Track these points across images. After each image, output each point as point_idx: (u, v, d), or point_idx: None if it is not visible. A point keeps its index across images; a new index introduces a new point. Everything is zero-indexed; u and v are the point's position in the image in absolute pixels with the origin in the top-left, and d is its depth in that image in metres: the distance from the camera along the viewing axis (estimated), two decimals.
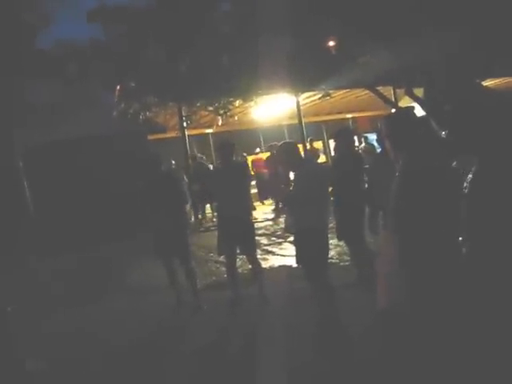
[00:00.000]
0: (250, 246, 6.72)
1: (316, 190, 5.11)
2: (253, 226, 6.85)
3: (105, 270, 9.51)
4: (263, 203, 17.21)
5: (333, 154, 13.04)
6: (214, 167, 15.78)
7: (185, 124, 15.07)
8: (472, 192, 2.35)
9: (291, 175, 5.80)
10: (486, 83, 12.91)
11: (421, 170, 2.94)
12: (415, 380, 2.92)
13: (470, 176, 2.38)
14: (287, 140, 6.37)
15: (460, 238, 2.44)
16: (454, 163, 3.06)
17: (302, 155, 5.89)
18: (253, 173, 17.53)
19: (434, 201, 2.81)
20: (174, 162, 15.96)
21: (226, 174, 6.66)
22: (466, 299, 2.46)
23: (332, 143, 21.81)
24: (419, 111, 10.08)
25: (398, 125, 3.29)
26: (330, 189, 6.51)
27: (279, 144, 5.84)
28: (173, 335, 6.03)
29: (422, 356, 2.86)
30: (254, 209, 7.12)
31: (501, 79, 17.37)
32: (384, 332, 3.08)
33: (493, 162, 2.32)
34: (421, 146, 3.12)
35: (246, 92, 13.76)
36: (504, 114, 2.36)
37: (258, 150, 20.04)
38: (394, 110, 4.94)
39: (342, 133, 7.32)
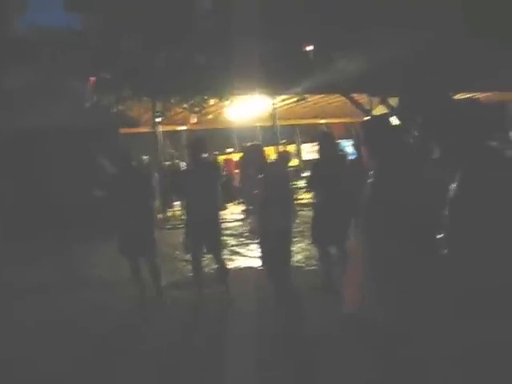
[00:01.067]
0: (215, 245, 6.68)
1: (280, 193, 5.13)
2: (220, 225, 6.81)
3: (70, 264, 9.37)
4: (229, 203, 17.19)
5: (308, 157, 13.15)
6: (185, 165, 15.70)
7: (158, 120, 14.96)
8: (456, 198, 2.36)
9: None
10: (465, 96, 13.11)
11: (392, 177, 2.95)
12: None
13: (454, 183, 2.38)
14: (254, 142, 6.37)
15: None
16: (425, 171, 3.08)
17: (268, 158, 5.92)
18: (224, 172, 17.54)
19: (402, 207, 2.82)
20: (145, 157, 15.86)
21: (196, 172, 6.61)
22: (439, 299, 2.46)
23: (306, 147, 22.04)
24: (393, 120, 10.16)
25: (374, 131, 3.30)
26: (311, 192, 6.54)
27: (246, 146, 5.87)
28: (133, 331, 5.95)
29: (393, 359, 2.87)
30: (224, 208, 7.09)
31: (474, 94, 17.65)
32: (350, 335, 3.09)
33: (474, 169, 2.33)
34: (395, 153, 3.14)
35: (222, 91, 13.73)
36: (474, 125, 2.37)
37: (230, 150, 20.00)
38: (369, 117, 4.96)
39: (323, 135, 7.33)
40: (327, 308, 5.40)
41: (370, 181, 3.05)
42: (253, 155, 5.52)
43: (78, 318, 6.42)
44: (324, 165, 6.80)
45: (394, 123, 3.51)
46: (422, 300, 2.63)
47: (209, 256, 7.26)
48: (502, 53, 9.90)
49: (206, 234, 6.49)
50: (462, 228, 2.30)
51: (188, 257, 7.32)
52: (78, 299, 7.17)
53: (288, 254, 5.32)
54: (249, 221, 5.98)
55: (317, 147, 7.25)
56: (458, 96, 9.09)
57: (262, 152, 5.59)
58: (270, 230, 5.12)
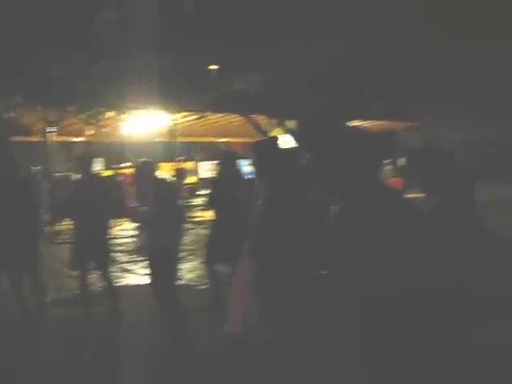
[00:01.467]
0: (103, 262, 6.47)
1: (169, 211, 5.09)
2: (108, 242, 6.61)
3: None
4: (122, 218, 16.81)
5: (205, 175, 13.16)
6: (75, 178, 15.20)
7: (52, 129, 14.42)
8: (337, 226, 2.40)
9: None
10: (359, 124, 13.65)
11: (281, 200, 2.98)
12: None
13: (333, 212, 2.43)
14: (146, 159, 6.28)
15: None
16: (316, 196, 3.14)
17: (158, 176, 5.86)
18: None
19: (290, 229, 2.85)
20: (35, 168, 15.20)
21: (84, 185, 6.41)
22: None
23: (204, 165, 22.04)
24: (286, 142, 10.42)
25: (263, 152, 3.34)
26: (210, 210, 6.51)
27: (138, 162, 5.80)
28: (14, 351, 5.61)
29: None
30: (116, 224, 6.93)
31: (371, 121, 18.45)
32: (233, 353, 3.06)
33: (351, 199, 2.39)
34: (285, 176, 3.18)
35: (120, 104, 13.47)
36: (364, 155, 2.44)
37: (126, 164, 19.61)
38: (258, 139, 5.02)
39: (225, 154, 7.35)
40: (213, 327, 5.38)
41: (258, 202, 3.08)
42: (144, 171, 5.45)
43: None
44: (222, 183, 6.82)
45: (284, 145, 3.57)
46: (306, 319, 2.66)
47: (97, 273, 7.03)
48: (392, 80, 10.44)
49: (94, 251, 6.26)
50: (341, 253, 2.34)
51: (75, 273, 7.05)
52: None
53: (175, 272, 5.27)
54: (138, 238, 5.86)
55: (218, 165, 7.26)
56: (352, 123, 9.47)
57: (154, 168, 5.53)
58: (158, 248, 5.04)
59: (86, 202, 6.19)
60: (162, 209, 5.02)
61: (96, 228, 6.21)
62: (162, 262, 5.04)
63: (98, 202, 6.24)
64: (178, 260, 5.33)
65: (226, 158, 7.18)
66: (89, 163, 6.47)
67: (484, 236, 3.05)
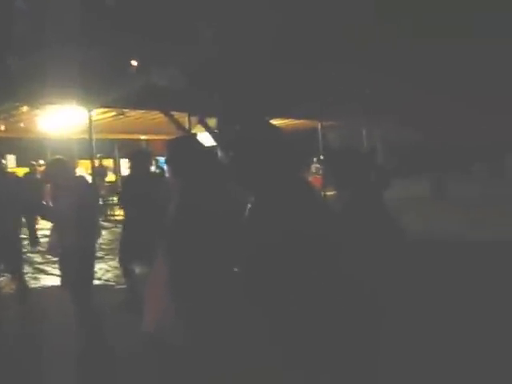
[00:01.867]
0: (15, 263, 6.21)
1: (83, 209, 4.93)
2: (20, 242, 6.34)
3: None
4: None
5: (126, 172, 12.88)
6: None
7: None
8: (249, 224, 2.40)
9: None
10: (276, 121, 13.78)
11: (195, 198, 2.96)
12: None
13: (248, 210, 2.43)
14: (57, 156, 6.08)
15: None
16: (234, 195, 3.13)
17: (73, 173, 5.67)
18: None
19: (204, 228, 2.83)
20: None
21: None
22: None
23: (125, 162, 21.61)
24: (210, 141, 10.38)
25: (176, 151, 3.32)
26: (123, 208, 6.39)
27: (49, 161, 5.60)
28: None
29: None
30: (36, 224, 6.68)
31: (289, 120, 18.68)
32: (149, 353, 3.01)
33: (265, 197, 2.39)
34: (198, 174, 3.15)
35: (34, 98, 12.94)
36: (277, 153, 2.44)
37: (42, 161, 18.92)
38: (173, 138, 4.98)
39: (139, 153, 7.28)
40: (129, 327, 5.31)
41: (173, 200, 3.05)
42: (56, 169, 5.22)
43: None
44: (135, 182, 6.74)
45: (203, 143, 3.55)
46: (221, 318, 2.65)
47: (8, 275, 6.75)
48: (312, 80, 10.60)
49: (4, 252, 5.98)
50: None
51: None
52: None
53: (90, 272, 5.12)
54: (48, 239, 5.64)
55: (129, 163, 7.19)
56: (271, 121, 9.50)
57: (67, 166, 5.33)
58: (71, 247, 4.87)
59: None
60: (75, 208, 4.84)
61: (6, 228, 5.92)
62: (76, 263, 4.88)
63: (10, 200, 5.97)
64: (92, 260, 5.17)
65: (137, 155, 7.08)
66: None
67: (394, 232, 3.14)
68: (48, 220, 5.66)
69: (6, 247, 5.97)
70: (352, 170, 2.89)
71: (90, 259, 5.09)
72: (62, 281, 5.14)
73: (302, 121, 19.85)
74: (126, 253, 6.69)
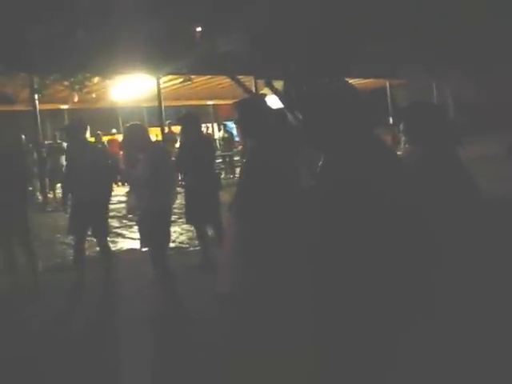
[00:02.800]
0: (102, 229, 6.50)
1: (160, 173, 5.07)
2: (107, 208, 6.59)
3: None
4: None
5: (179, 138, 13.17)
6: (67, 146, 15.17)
7: (37, 97, 14.24)
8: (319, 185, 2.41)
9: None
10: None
11: (265, 159, 2.99)
12: (256, 364, 2.97)
13: (318, 170, 2.44)
14: (134, 122, 6.24)
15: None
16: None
17: (150, 138, 5.82)
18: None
19: (274, 189, 2.87)
20: (24, 136, 15.07)
21: (79, 153, 6.40)
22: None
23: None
24: (278, 103, 10.36)
25: (245, 112, 3.34)
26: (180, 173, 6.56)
27: (127, 126, 5.74)
28: (6, 318, 5.67)
29: (263, 339, 2.92)
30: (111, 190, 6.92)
31: (356, 79, 18.34)
32: (224, 315, 3.10)
33: (336, 157, 2.39)
34: (268, 134, 3.18)
35: (104, 69, 13.26)
36: (347, 112, 2.44)
37: (114, 130, 19.46)
38: (241, 99, 5.03)
39: (188, 117, 7.34)
40: (205, 288, 5.48)
41: (244, 161, 3.09)
42: (133, 135, 5.40)
43: None
44: (189, 146, 6.87)
45: (267, 105, 3.57)
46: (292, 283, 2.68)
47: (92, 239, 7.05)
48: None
49: (92, 217, 6.27)
50: (333, 216, 2.35)
51: (69, 240, 7.07)
52: None
53: (167, 234, 5.29)
54: (126, 200, 5.84)
55: (181, 129, 7.30)
56: (340, 80, 9.36)
57: (144, 131, 5.48)
58: (149, 211, 5.05)
59: (81, 169, 6.19)
60: (153, 171, 5.00)
61: (94, 195, 6.17)
62: (154, 225, 5.06)
63: (92, 168, 6.21)
64: (169, 223, 5.35)
65: (187, 121, 7.17)
66: (79, 131, 6.45)
67: (469, 188, 3.06)
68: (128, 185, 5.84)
69: (95, 213, 6.27)
70: (423, 123, 2.82)
71: (166, 221, 5.26)
72: (140, 242, 5.33)
73: (369, 80, 19.45)
74: (191, 215, 6.92)
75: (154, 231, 5.05)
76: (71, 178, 6.44)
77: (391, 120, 20.64)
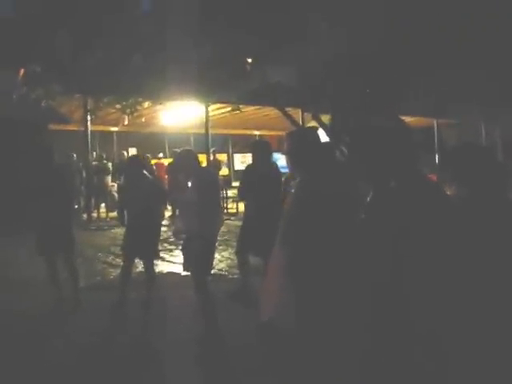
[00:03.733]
0: (152, 252, 6.62)
1: (208, 199, 5.13)
2: (159, 231, 6.73)
3: None
4: None
5: (239, 167, 13.38)
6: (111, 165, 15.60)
7: (89, 118, 14.67)
8: (366, 218, 2.41)
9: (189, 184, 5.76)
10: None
11: (316, 190, 3.00)
12: None
13: (367, 203, 2.44)
14: (187, 147, 6.36)
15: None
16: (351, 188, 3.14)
17: (201, 164, 5.91)
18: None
19: (324, 220, 2.87)
20: (75, 155, 15.50)
21: (130, 177, 6.61)
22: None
23: (238, 157, 22.10)
24: (324, 137, 10.39)
25: (299, 142, 3.37)
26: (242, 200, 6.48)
27: (179, 151, 5.84)
28: (47, 332, 5.78)
29: (303, 370, 2.90)
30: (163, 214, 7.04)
31: (404, 117, 18.24)
32: (265, 344, 3.09)
33: (386, 190, 2.39)
34: (320, 166, 3.20)
35: (156, 95, 13.60)
36: (398, 149, 2.44)
37: (161, 154, 19.81)
38: (295, 129, 5.04)
39: (258, 144, 7.30)
40: (242, 316, 5.49)
41: (293, 191, 3.10)
42: (184, 160, 5.49)
43: None
44: (256, 173, 6.72)
45: (319, 137, 3.58)
46: (339, 311, 2.66)
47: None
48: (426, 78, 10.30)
49: (144, 240, 6.43)
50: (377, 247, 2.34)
51: (110, 259, 7.20)
52: None
53: (211, 260, 5.31)
54: (174, 224, 5.94)
55: (251, 154, 7.19)
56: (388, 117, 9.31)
57: (195, 157, 5.56)
58: (195, 235, 5.10)
59: (138, 192, 6.38)
60: (201, 196, 5.05)
61: (147, 218, 6.35)
62: (198, 251, 5.10)
63: (143, 192, 6.38)
64: (213, 249, 5.38)
65: (259, 147, 7.09)
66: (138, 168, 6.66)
67: None
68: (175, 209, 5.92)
69: (146, 236, 6.41)
70: (470, 165, 2.78)
71: (211, 247, 5.30)
72: (183, 265, 5.37)
73: (417, 118, 19.34)
74: (245, 243, 6.79)
75: (199, 256, 5.09)
76: (127, 202, 6.67)
77: (437, 159, 20.42)
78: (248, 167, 7.58)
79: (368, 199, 2.44)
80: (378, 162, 2.43)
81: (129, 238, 6.54)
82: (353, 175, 2.82)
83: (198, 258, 5.10)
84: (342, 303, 2.63)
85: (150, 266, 6.66)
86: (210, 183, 5.36)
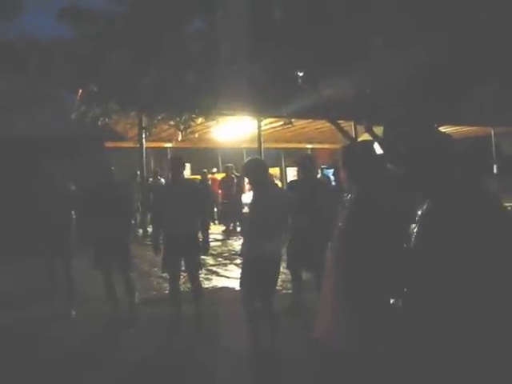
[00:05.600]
0: (195, 264, 6.62)
1: (278, 218, 5.04)
2: (200, 245, 6.69)
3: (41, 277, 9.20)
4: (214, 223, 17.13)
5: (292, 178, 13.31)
6: (165, 182, 15.76)
7: (144, 135, 14.96)
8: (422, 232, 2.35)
9: (244, 199, 5.69)
10: (445, 129, 13.26)
11: (371, 203, 2.95)
12: None
13: (419, 216, 2.38)
14: (256, 157, 6.24)
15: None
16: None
17: (272, 179, 5.77)
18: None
19: (380, 234, 2.82)
20: (138, 172, 15.71)
21: (175, 190, 6.56)
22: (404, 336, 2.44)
23: (291, 171, 22.05)
24: (377, 149, 10.25)
25: (356, 156, 3.34)
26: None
27: (247, 160, 5.61)
28: (105, 346, 5.87)
29: None
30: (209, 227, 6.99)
31: (459, 127, 17.87)
32: (318, 361, 3.06)
33: (442, 204, 2.34)
34: (374, 180, 3.16)
35: (209, 111, 13.75)
36: (454, 160, 2.39)
37: (215, 169, 19.99)
38: (351, 143, 4.97)
39: (305, 159, 7.24)
40: (295, 332, 5.44)
41: (347, 205, 3.06)
42: (254, 170, 5.25)
43: (44, 330, 6.33)
44: (303, 188, 6.63)
45: (375, 151, 3.54)
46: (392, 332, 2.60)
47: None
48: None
49: (186, 253, 6.40)
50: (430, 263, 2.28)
51: (165, 274, 7.23)
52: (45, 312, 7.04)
53: (276, 278, 5.23)
54: (231, 241, 5.86)
55: (297, 169, 7.15)
56: (442, 129, 9.17)
57: (265, 168, 5.37)
58: (263, 257, 4.97)
59: (176, 205, 6.35)
60: (269, 216, 4.94)
61: (188, 231, 6.33)
62: (266, 272, 5.02)
63: (189, 205, 6.34)
64: (279, 266, 5.25)
65: (305, 162, 7.00)
66: (176, 167, 6.61)
67: None
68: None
69: (188, 249, 6.40)
70: None
71: (278, 267, 5.23)
72: (245, 283, 5.30)
73: (474, 128, 18.90)
74: (294, 258, 6.74)
75: (267, 277, 5.02)
76: (165, 214, 6.54)
77: (495, 169, 19.85)
78: (292, 181, 7.58)
79: (421, 211, 2.38)
80: (430, 174, 2.39)
81: (168, 251, 6.45)
82: (405, 188, 2.77)
83: (265, 279, 5.02)
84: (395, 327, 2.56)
85: (194, 279, 6.63)
86: (278, 200, 5.18)
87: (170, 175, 7.42)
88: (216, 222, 17.36)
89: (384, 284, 2.71)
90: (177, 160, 6.74)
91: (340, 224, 3.08)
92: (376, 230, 2.84)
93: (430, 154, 2.43)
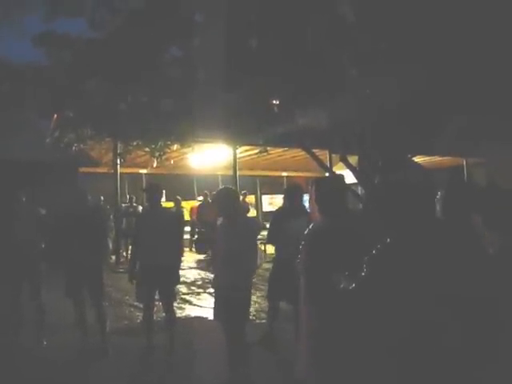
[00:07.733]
0: (170, 294, 6.54)
1: (248, 246, 5.01)
2: (178, 273, 6.62)
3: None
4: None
5: (267, 208, 13.39)
6: (142, 209, 15.64)
7: (119, 161, 14.89)
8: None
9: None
10: (418, 160, 13.42)
11: (336, 238, 2.95)
12: None
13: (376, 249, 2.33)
14: (228, 186, 6.23)
15: None
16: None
17: (242, 207, 5.79)
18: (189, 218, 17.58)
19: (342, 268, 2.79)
20: (102, 198, 15.70)
21: (153, 218, 6.50)
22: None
23: (266, 198, 22.10)
24: (351, 178, 10.35)
25: (326, 190, 3.35)
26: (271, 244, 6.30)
27: (219, 189, 5.62)
28: (75, 376, 5.73)
29: None
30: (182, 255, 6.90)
31: (428, 157, 18.11)
32: None
33: (403, 240, 2.30)
34: (344, 213, 3.17)
35: (184, 138, 13.75)
36: (425, 194, 2.37)
37: (200, 197, 19.78)
38: (326, 174, 4.98)
39: (290, 188, 7.22)
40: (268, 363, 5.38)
41: (308, 240, 3.05)
42: (225, 199, 5.22)
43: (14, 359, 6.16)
44: (288, 216, 6.48)
45: (345, 185, 3.56)
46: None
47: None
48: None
49: (161, 282, 6.32)
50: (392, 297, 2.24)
51: (137, 303, 7.14)
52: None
53: (248, 310, 5.19)
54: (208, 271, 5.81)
55: (284, 197, 7.06)
56: (415, 158, 9.28)
57: (237, 196, 5.41)
58: (234, 286, 4.93)
59: (152, 232, 6.29)
60: (240, 245, 4.91)
61: (164, 260, 6.23)
62: (237, 302, 4.98)
63: (164, 232, 6.28)
64: (250, 299, 5.25)
65: (293, 190, 6.98)
66: (155, 195, 6.58)
67: None
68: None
69: (164, 278, 6.31)
70: (500, 210, 2.67)
71: (250, 297, 5.19)
72: (217, 315, 5.26)
73: (446, 158, 19.21)
74: (275, 290, 6.65)
75: (240, 307, 4.97)
76: (142, 242, 6.49)
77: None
78: (278, 210, 7.52)
79: (378, 250, 2.33)
80: (398, 214, 2.35)
81: (143, 280, 6.39)
82: (371, 224, 2.75)
83: (238, 309, 4.97)
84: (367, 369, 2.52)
85: (169, 308, 6.53)
86: (250, 229, 5.20)
87: (147, 202, 7.36)
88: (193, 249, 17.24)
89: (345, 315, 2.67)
90: (154, 187, 6.69)
91: (303, 261, 3.05)
92: (343, 264, 2.81)
93: (397, 197, 2.37)
